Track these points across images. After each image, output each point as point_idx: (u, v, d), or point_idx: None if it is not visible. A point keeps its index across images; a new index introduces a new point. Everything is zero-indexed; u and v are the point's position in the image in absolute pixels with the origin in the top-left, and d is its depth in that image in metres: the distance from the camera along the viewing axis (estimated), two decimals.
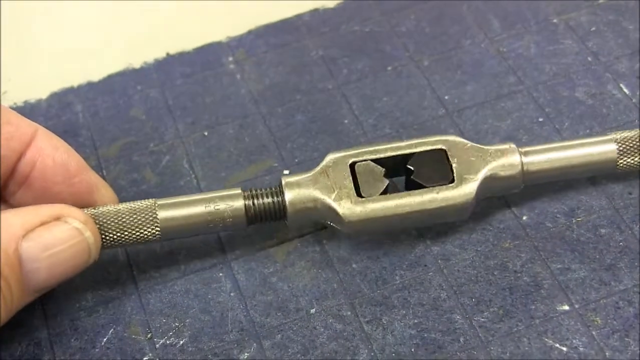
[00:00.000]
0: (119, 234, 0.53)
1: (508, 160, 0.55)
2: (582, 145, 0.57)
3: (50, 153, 0.54)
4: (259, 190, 0.55)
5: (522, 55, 0.67)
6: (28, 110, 0.67)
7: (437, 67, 0.67)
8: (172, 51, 0.71)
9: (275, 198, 0.55)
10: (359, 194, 0.54)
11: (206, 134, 0.65)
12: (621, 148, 0.57)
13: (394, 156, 0.55)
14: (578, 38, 0.68)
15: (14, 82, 0.70)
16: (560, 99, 0.64)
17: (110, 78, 0.70)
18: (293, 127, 0.65)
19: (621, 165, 0.57)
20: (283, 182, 0.55)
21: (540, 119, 0.63)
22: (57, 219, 0.50)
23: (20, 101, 0.68)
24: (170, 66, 0.70)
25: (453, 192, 0.54)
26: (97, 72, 0.70)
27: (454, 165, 0.55)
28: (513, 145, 0.56)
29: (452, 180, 0.55)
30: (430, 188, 0.55)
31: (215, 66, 0.70)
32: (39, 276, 0.49)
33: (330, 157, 0.55)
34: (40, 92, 0.69)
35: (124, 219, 0.54)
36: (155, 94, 0.68)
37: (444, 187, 0.55)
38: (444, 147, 0.55)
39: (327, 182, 0.54)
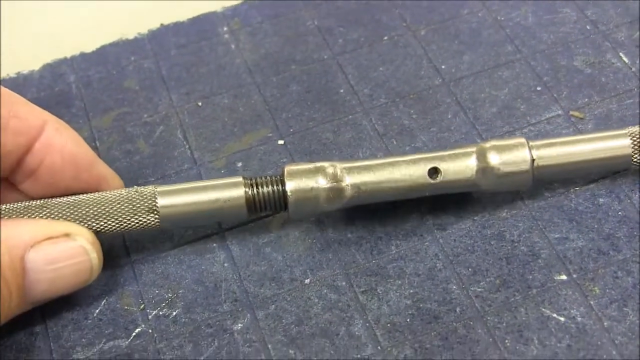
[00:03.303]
0: (117, 221, 0.53)
1: (517, 155, 0.54)
2: (595, 139, 0.55)
3: (59, 149, 0.53)
4: (260, 179, 0.54)
5: (520, 24, 0.67)
6: (21, 82, 0.67)
7: (434, 37, 0.67)
8: (167, 21, 0.70)
9: (277, 187, 0.54)
10: None
11: (200, 104, 0.64)
12: (636, 143, 0.55)
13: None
14: (577, 7, 0.67)
15: (6, 53, 0.69)
16: (558, 68, 0.63)
17: (103, 49, 0.69)
18: (288, 97, 0.64)
19: (636, 161, 0.55)
20: (285, 172, 0.54)
21: (539, 88, 0.62)
22: (66, 235, 0.51)
23: (12, 72, 0.68)
24: (164, 36, 0.69)
25: None
26: (90, 43, 0.69)
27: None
28: (524, 140, 0.54)
29: None
30: None
31: (210, 36, 0.69)
32: (39, 287, 0.50)
33: (344, 180, 0.54)
34: (33, 63, 0.68)
35: (122, 205, 0.53)
36: (149, 64, 0.67)
37: None
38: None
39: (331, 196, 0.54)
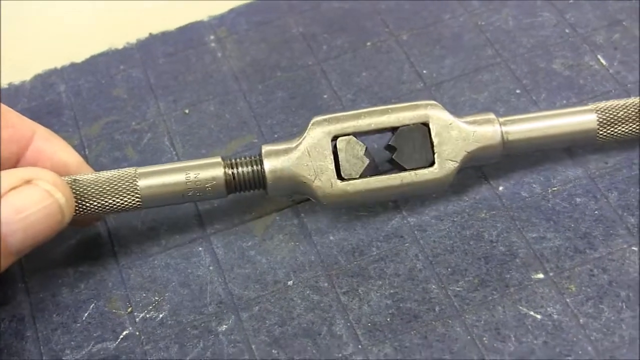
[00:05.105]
0: (99, 202, 0.54)
1: (488, 130, 0.56)
2: (562, 115, 0.57)
3: (49, 156, 0.55)
4: (238, 159, 0.56)
5: (500, 28, 0.68)
6: (12, 92, 0.68)
7: (416, 42, 0.68)
8: (155, 31, 0.71)
9: (255, 167, 0.55)
10: (338, 173, 0.55)
11: (187, 111, 0.65)
12: (601, 118, 0.57)
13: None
14: (556, 10, 0.68)
15: None
16: (537, 71, 0.65)
17: (93, 59, 0.70)
18: (273, 104, 0.65)
19: (601, 135, 0.57)
20: (263, 151, 0.55)
21: (518, 91, 0.63)
22: (28, 182, 0.50)
23: (4, 83, 0.69)
24: (152, 46, 0.70)
25: (432, 175, 0.55)
26: (80, 53, 0.71)
27: (435, 144, 0.55)
28: (493, 115, 0.56)
29: (432, 163, 0.55)
30: (410, 171, 0.55)
31: (197, 45, 0.70)
32: (15, 239, 0.49)
33: (313, 128, 0.55)
34: (24, 74, 0.70)
35: (104, 187, 0.54)
36: (137, 73, 0.68)
37: (424, 169, 0.55)
38: (427, 122, 0.55)
39: (307, 158, 0.54)
